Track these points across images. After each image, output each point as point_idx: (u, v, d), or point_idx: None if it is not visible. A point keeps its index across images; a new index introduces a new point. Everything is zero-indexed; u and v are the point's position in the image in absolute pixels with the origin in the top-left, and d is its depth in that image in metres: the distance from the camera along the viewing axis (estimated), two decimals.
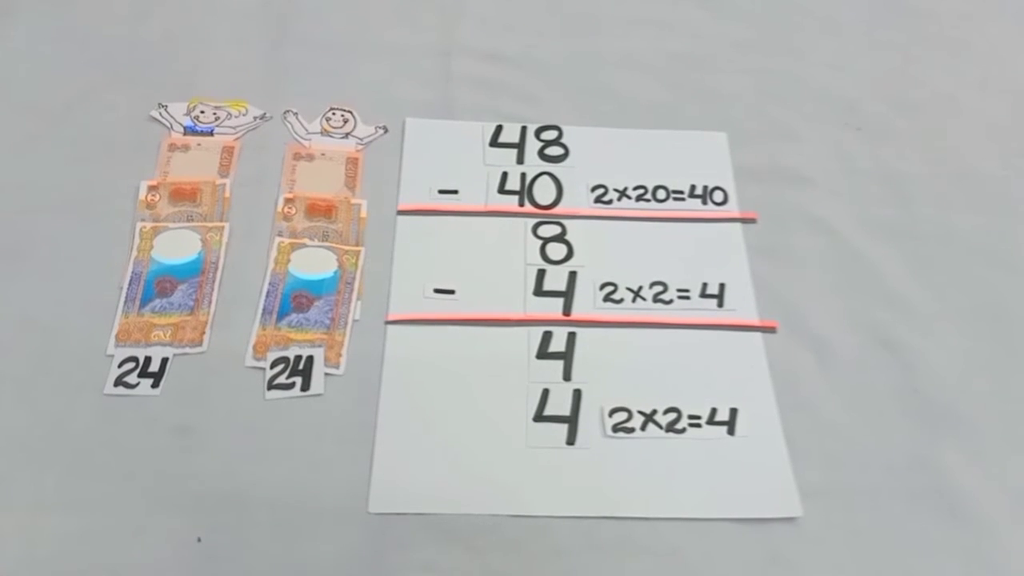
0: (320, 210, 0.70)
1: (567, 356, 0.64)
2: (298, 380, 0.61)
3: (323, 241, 0.68)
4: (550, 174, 0.74)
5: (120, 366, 0.61)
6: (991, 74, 0.84)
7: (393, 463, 0.58)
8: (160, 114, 0.75)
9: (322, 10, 0.84)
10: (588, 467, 0.59)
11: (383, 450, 0.59)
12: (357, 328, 0.64)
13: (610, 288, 0.67)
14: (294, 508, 0.56)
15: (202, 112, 0.76)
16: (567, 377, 0.63)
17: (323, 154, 0.74)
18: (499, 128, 0.76)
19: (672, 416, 0.61)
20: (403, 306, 0.65)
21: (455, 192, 0.72)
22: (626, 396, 0.62)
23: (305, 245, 0.68)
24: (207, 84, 0.78)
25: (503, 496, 0.57)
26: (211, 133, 0.74)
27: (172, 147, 0.73)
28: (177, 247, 0.67)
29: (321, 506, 0.56)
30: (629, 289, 0.67)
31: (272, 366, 0.62)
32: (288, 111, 0.76)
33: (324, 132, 0.75)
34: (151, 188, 0.70)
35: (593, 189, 0.73)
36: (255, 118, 0.76)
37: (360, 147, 0.75)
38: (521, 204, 0.72)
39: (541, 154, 0.75)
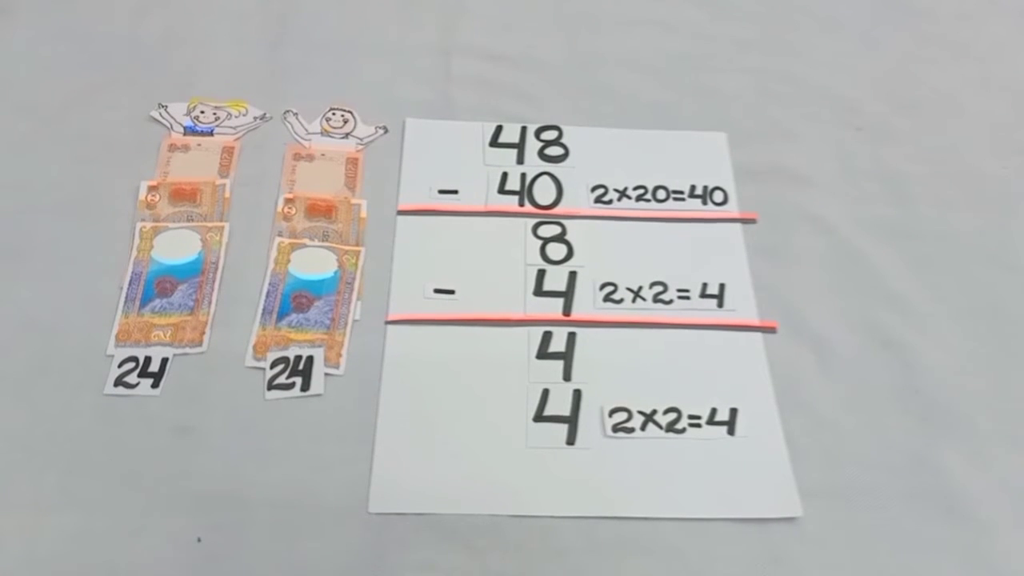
0: (320, 210, 0.70)
1: (567, 356, 0.64)
2: (298, 380, 0.61)
3: (323, 241, 0.69)
4: (550, 174, 0.74)
5: (120, 366, 0.61)
6: (991, 74, 0.84)
7: (393, 463, 0.58)
8: (160, 114, 0.75)
9: (322, 10, 0.84)
10: (588, 467, 0.59)
11: (383, 450, 0.59)
12: (357, 328, 0.64)
13: (610, 288, 0.67)
14: (294, 508, 0.56)
15: (202, 112, 0.76)
16: (567, 377, 0.63)
17: (323, 154, 0.74)
18: (499, 128, 0.76)
19: (672, 416, 0.61)
20: (403, 306, 0.65)
21: (455, 192, 0.72)
22: (626, 396, 0.62)
23: (305, 245, 0.68)
24: (207, 84, 0.78)
25: (503, 496, 0.57)
26: (211, 133, 0.74)
27: (172, 147, 0.73)
28: (177, 247, 0.67)
29: (321, 506, 0.56)
30: (629, 289, 0.67)
31: (272, 366, 0.62)
32: (288, 111, 0.76)
33: (324, 132, 0.75)
34: (151, 188, 0.70)
35: (593, 189, 0.73)
36: (255, 118, 0.76)
37: (360, 147, 0.75)
38: (521, 204, 0.72)
39: (541, 154, 0.75)
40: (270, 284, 0.66)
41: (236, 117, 0.76)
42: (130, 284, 0.65)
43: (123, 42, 0.80)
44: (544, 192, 0.73)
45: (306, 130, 0.75)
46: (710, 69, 0.82)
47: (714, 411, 0.61)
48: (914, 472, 0.60)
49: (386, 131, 0.76)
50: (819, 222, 0.72)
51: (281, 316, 0.64)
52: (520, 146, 0.76)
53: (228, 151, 0.73)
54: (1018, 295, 0.69)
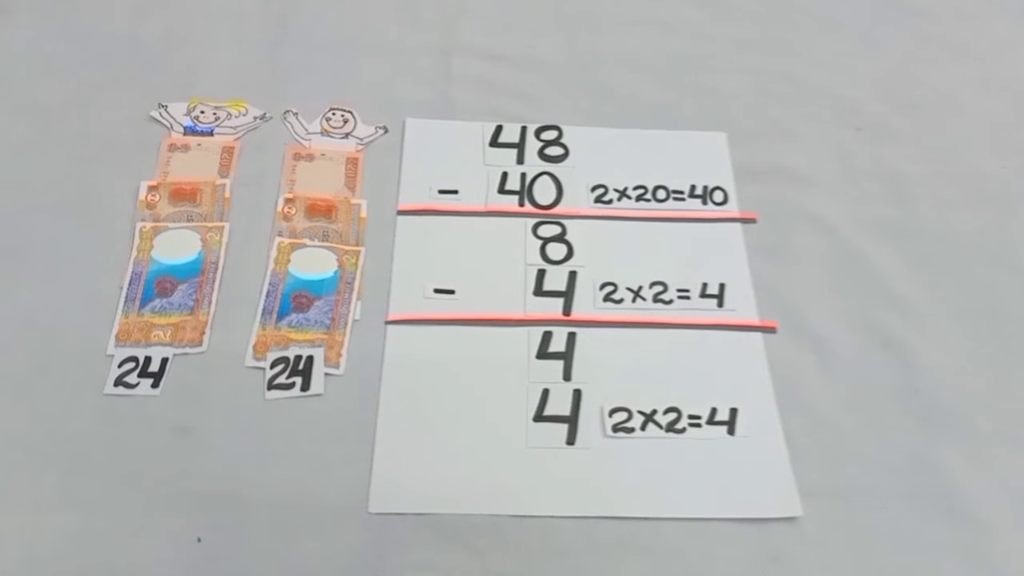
0: (320, 210, 0.70)
1: (567, 356, 0.64)
2: (298, 380, 0.61)
3: (323, 241, 0.69)
4: (550, 174, 0.74)
5: (120, 366, 0.61)
6: (991, 74, 0.84)
7: (393, 463, 0.58)
8: (160, 114, 0.75)
9: (322, 10, 0.84)
10: (588, 467, 0.59)
11: (383, 450, 0.59)
12: (357, 328, 0.64)
13: (610, 288, 0.67)
14: (294, 508, 0.56)
15: (202, 112, 0.76)
16: (567, 377, 0.63)
17: (323, 154, 0.74)
18: (499, 128, 0.76)
19: (672, 416, 0.61)
20: (403, 306, 0.65)
21: (455, 192, 0.72)
22: (626, 396, 0.62)
23: (305, 245, 0.68)
24: (207, 84, 0.78)
25: (503, 496, 0.57)
26: (211, 133, 0.74)
27: (172, 147, 0.73)
28: (177, 247, 0.67)
29: (321, 506, 0.56)
30: (629, 289, 0.67)
31: (272, 366, 0.62)
32: (288, 111, 0.76)
33: (324, 132, 0.75)
34: (151, 188, 0.70)
35: (593, 189, 0.73)
36: (255, 118, 0.76)
37: (360, 147, 0.75)
38: (521, 204, 0.72)
39: (541, 154, 0.75)
40: (270, 284, 0.66)
41: (236, 117, 0.76)
42: (130, 284, 0.65)
43: (123, 42, 0.80)
44: (544, 192, 0.73)
45: (306, 130, 0.75)
46: (710, 69, 0.82)
47: (714, 411, 0.61)
48: (914, 472, 0.60)
49: (386, 131, 0.76)
50: (819, 222, 0.72)
51: (281, 316, 0.64)
52: (520, 146, 0.76)
53: (228, 151, 0.73)
54: (1018, 295, 0.69)
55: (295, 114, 0.76)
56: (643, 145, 0.76)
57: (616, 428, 0.60)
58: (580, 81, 0.81)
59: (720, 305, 0.67)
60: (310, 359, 0.62)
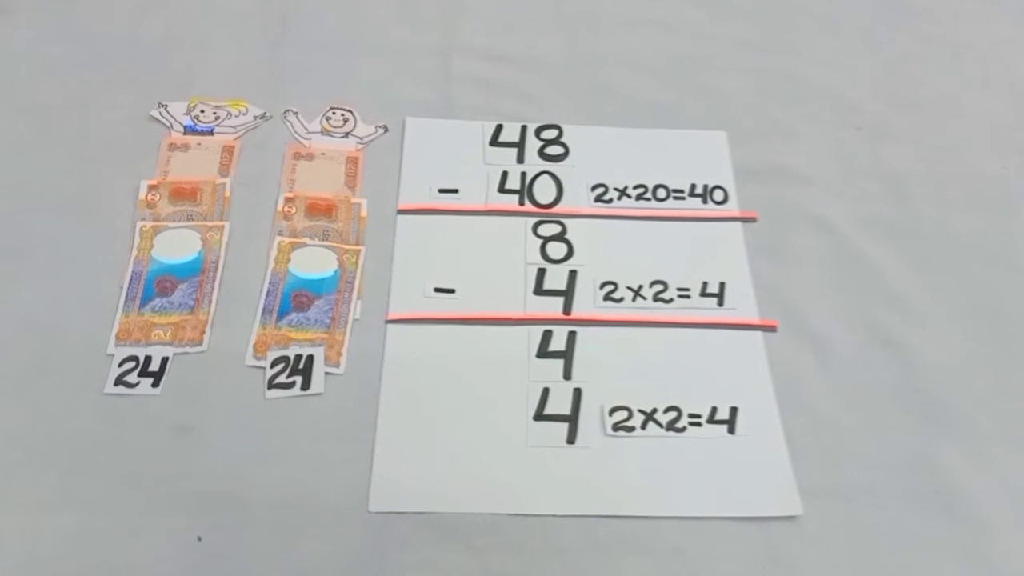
0: (320, 209, 0.70)
1: (567, 355, 0.64)
2: (298, 379, 0.61)
3: (323, 240, 0.69)
4: (550, 173, 0.74)
5: (120, 365, 0.61)
6: (991, 73, 0.84)
7: (393, 463, 0.58)
8: (160, 114, 0.75)
9: (322, 10, 0.84)
10: (588, 466, 0.59)
11: (383, 450, 0.59)
12: (357, 327, 0.64)
13: (610, 287, 0.67)
14: (294, 508, 0.56)
15: (202, 112, 0.76)
16: (567, 376, 0.63)
17: (323, 153, 0.74)
18: (499, 127, 0.76)
19: (672, 415, 0.61)
20: (403, 305, 0.65)
21: (455, 191, 0.72)
22: (626, 395, 0.62)
23: (305, 244, 0.68)
24: (207, 84, 0.78)
25: (503, 495, 0.57)
26: (211, 133, 0.74)
27: (172, 147, 0.73)
28: (177, 246, 0.67)
29: (321, 506, 0.56)
30: (629, 288, 0.67)
31: (272, 365, 0.62)
32: (288, 111, 0.76)
33: (324, 131, 0.75)
34: (151, 188, 0.70)
35: (593, 188, 0.73)
36: (255, 117, 0.76)
37: (360, 146, 0.75)
38: (521, 203, 0.72)
39: (541, 153, 0.75)
40: (270, 283, 0.66)
41: (236, 116, 0.76)
42: (130, 283, 0.65)
43: (123, 42, 0.80)
44: (544, 191, 0.73)
45: (306, 129, 0.75)
46: (710, 69, 0.82)
47: (714, 410, 0.61)
48: (914, 471, 0.60)
49: (386, 130, 0.76)
50: (819, 221, 0.72)
51: (281, 315, 0.64)
52: (520, 145, 0.76)
53: (228, 150, 0.73)
54: (1018, 295, 0.69)
55: (295, 113, 0.76)
56: (643, 144, 0.76)
57: (616, 427, 0.60)
58: (580, 81, 0.81)
59: (720, 304, 0.67)
60: (310, 358, 0.62)
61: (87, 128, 0.74)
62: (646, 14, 0.87)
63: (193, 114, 0.75)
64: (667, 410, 0.61)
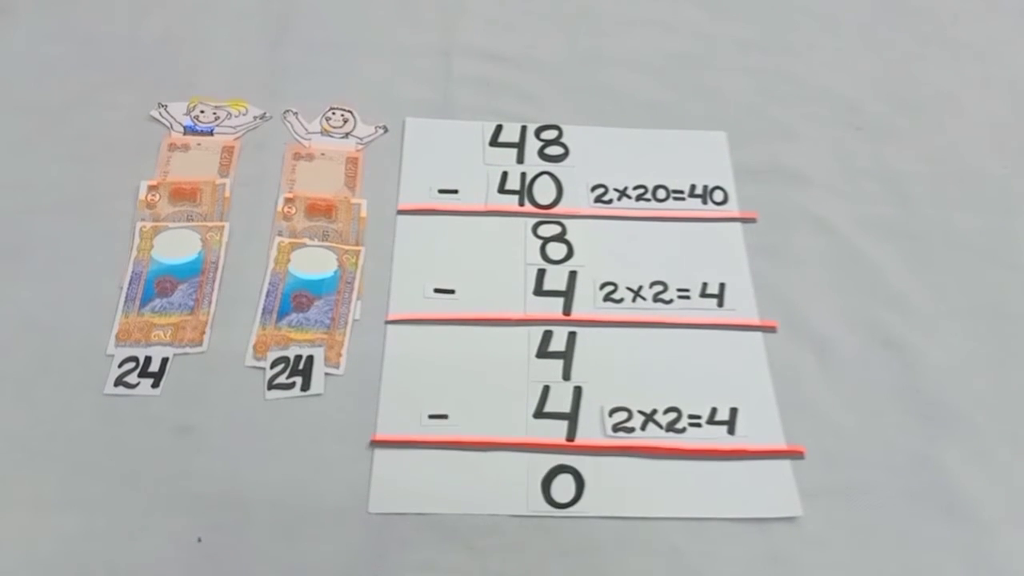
0: (320, 210, 0.70)
1: (567, 355, 0.64)
2: (298, 380, 0.61)
3: (323, 241, 0.69)
4: (550, 174, 0.74)
5: (120, 366, 0.61)
6: (991, 73, 0.84)
7: (393, 463, 0.58)
8: (160, 114, 0.75)
9: (322, 10, 0.84)
10: (588, 466, 0.59)
11: (383, 450, 0.59)
12: (357, 328, 0.64)
13: (610, 288, 0.67)
14: (294, 508, 0.56)
15: (202, 112, 0.76)
16: (567, 376, 0.63)
17: (323, 154, 0.74)
18: (499, 128, 0.76)
19: (672, 416, 0.61)
20: (403, 306, 0.65)
21: (455, 192, 0.72)
22: (626, 396, 0.62)
23: (305, 245, 0.68)
24: (207, 84, 0.78)
25: (503, 496, 0.57)
26: (211, 133, 0.74)
27: (172, 147, 0.73)
28: (177, 247, 0.67)
29: (321, 506, 0.56)
30: (629, 289, 0.67)
31: (272, 366, 0.62)
32: (288, 111, 0.76)
33: (324, 132, 0.75)
34: (151, 188, 0.70)
35: (593, 189, 0.73)
36: (255, 118, 0.76)
37: (360, 147, 0.75)
38: (521, 204, 0.72)
39: (541, 154, 0.75)
40: (270, 284, 0.66)
41: (236, 117, 0.76)
42: (130, 284, 0.65)
43: (123, 42, 0.80)
44: (544, 191, 0.73)
45: (306, 130, 0.75)
46: (710, 69, 0.83)
47: (714, 411, 0.61)
48: (914, 472, 0.60)
49: (386, 131, 0.76)
50: (819, 222, 0.72)
51: (281, 316, 0.64)
52: (520, 145, 0.76)
53: (228, 151, 0.73)
54: (1019, 295, 0.69)
55: (295, 114, 0.76)
56: (643, 145, 0.76)
57: (616, 428, 0.60)
58: (580, 81, 0.81)
59: (720, 305, 0.67)
60: (310, 359, 0.62)
61: (87, 128, 0.74)
62: (646, 14, 0.87)
63: (193, 114, 0.75)
64: (667, 411, 0.61)
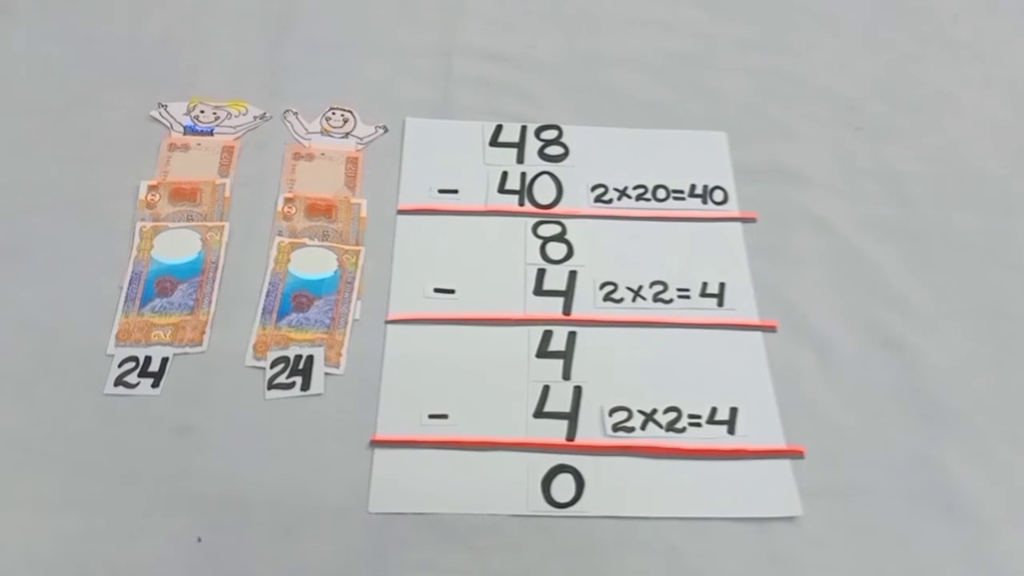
0: (320, 210, 0.70)
1: (567, 355, 0.64)
2: (298, 380, 0.61)
3: (323, 241, 0.69)
4: (550, 173, 0.74)
5: (120, 366, 0.61)
6: (991, 73, 0.84)
7: (393, 463, 0.58)
8: (160, 114, 0.75)
9: (322, 10, 0.84)
10: (588, 466, 0.59)
11: (383, 450, 0.59)
12: (357, 328, 0.64)
13: (610, 287, 0.67)
14: (294, 508, 0.56)
15: (202, 112, 0.76)
16: (567, 376, 0.63)
17: (323, 154, 0.74)
18: (499, 128, 0.76)
19: (672, 415, 0.61)
20: (403, 306, 0.65)
21: (455, 192, 0.72)
22: (626, 395, 0.62)
23: (305, 245, 0.68)
24: (207, 84, 0.78)
25: (503, 496, 0.57)
26: (211, 133, 0.74)
27: (172, 147, 0.73)
28: (177, 247, 0.67)
29: (321, 506, 0.56)
30: (629, 288, 0.67)
31: (272, 366, 0.62)
32: (288, 111, 0.76)
33: (324, 132, 0.75)
34: (151, 188, 0.70)
35: (593, 188, 0.73)
36: (255, 118, 0.76)
37: (360, 147, 0.75)
38: (521, 204, 0.72)
39: (541, 154, 0.75)
40: (270, 283, 0.66)
41: (236, 117, 0.76)
42: (130, 284, 0.65)
43: (123, 42, 0.80)
44: (544, 191, 0.73)
45: (306, 130, 0.75)
46: (710, 69, 0.83)
47: (714, 410, 0.61)
48: (914, 472, 0.60)
49: (386, 131, 0.76)
50: (819, 222, 0.72)
51: (281, 315, 0.64)
52: (520, 145, 0.76)
53: (228, 151, 0.73)
54: (1019, 294, 0.69)
55: (295, 114, 0.76)
56: (643, 144, 0.76)
57: (616, 427, 0.60)
58: (580, 81, 0.81)
59: (720, 304, 0.67)
60: (310, 359, 0.62)
61: (87, 128, 0.74)
62: (646, 14, 0.87)
63: (193, 114, 0.75)
64: (667, 411, 0.61)
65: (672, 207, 0.72)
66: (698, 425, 0.61)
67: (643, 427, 0.60)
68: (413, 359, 0.63)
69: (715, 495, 0.58)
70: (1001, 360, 0.65)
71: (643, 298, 0.67)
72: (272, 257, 0.67)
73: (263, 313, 0.64)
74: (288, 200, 0.70)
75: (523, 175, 0.74)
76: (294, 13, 0.84)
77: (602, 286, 0.67)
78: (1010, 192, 0.75)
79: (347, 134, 0.75)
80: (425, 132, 0.76)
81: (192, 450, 0.58)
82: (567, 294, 0.67)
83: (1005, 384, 0.64)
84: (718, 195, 0.73)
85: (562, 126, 0.77)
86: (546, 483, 0.58)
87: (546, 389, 0.62)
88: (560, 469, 0.59)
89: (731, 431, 0.61)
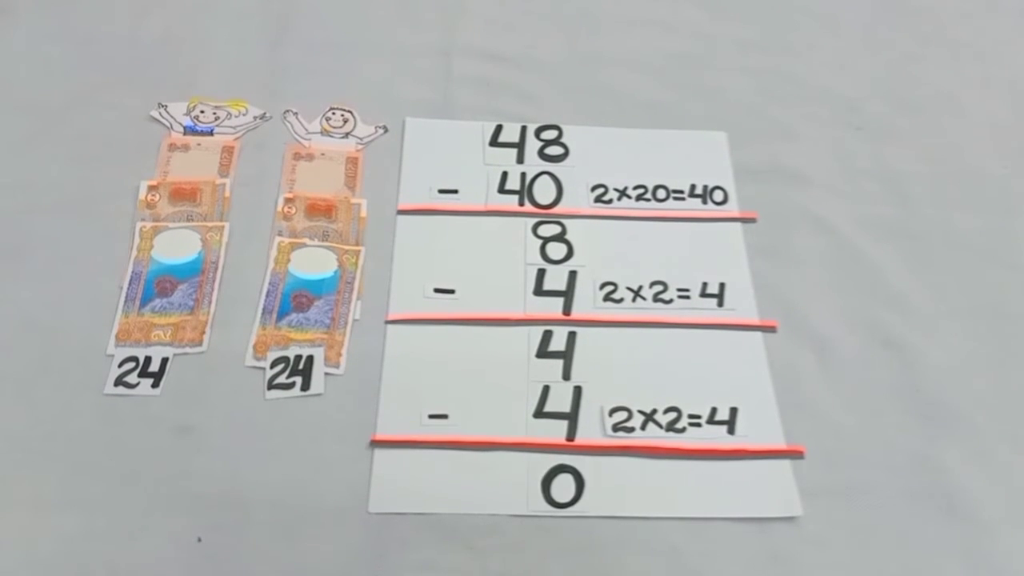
0: (320, 210, 0.70)
1: (567, 355, 0.64)
2: (298, 380, 0.61)
3: (323, 241, 0.69)
4: (550, 174, 0.74)
5: (120, 366, 0.61)
6: (991, 73, 0.84)
7: (393, 463, 0.58)
8: (160, 114, 0.75)
9: (322, 10, 0.84)
10: (588, 466, 0.59)
11: (383, 450, 0.59)
12: (357, 328, 0.64)
13: (610, 288, 0.67)
14: (294, 508, 0.56)
15: (202, 112, 0.76)
16: (567, 376, 0.63)
17: (323, 154, 0.74)
18: (499, 128, 0.76)
19: (672, 415, 0.61)
20: (403, 306, 0.65)
21: (455, 192, 0.72)
22: (626, 395, 0.62)
23: (305, 245, 0.68)
24: (207, 84, 0.78)
25: (503, 496, 0.57)
26: (211, 133, 0.74)
27: (172, 147, 0.73)
28: (177, 247, 0.67)
29: (321, 506, 0.56)
30: (629, 289, 0.67)
31: (272, 366, 0.62)
32: (288, 111, 0.76)
33: (324, 132, 0.75)
34: (151, 188, 0.70)
35: (593, 189, 0.73)
36: (255, 118, 0.76)
37: (360, 147, 0.75)
38: (521, 204, 0.72)
39: (541, 154, 0.75)
40: (270, 284, 0.66)
41: (236, 117, 0.76)
42: (130, 284, 0.65)
43: (123, 42, 0.80)
44: (544, 191, 0.73)
45: (306, 130, 0.75)
46: (710, 69, 0.83)
47: (714, 410, 0.61)
48: (914, 472, 0.60)
49: (386, 131, 0.76)
50: (819, 222, 0.72)
51: (281, 316, 0.64)
52: (520, 145, 0.76)
53: (228, 151, 0.73)
54: (1019, 294, 0.69)
55: (295, 114, 0.76)
56: (643, 144, 0.76)
57: (616, 427, 0.60)
58: (580, 81, 0.81)
59: (720, 305, 0.67)
60: (310, 359, 0.62)
61: (87, 128, 0.74)
62: (646, 14, 0.87)
63: (193, 114, 0.75)
64: (667, 411, 0.61)
65: (672, 207, 0.72)
66: (698, 425, 0.61)
67: (643, 427, 0.60)
68: (413, 359, 0.63)
69: (715, 495, 0.58)
70: (1001, 360, 0.65)
71: (643, 298, 0.67)
72: (272, 257, 0.67)
73: (263, 313, 0.64)
74: (288, 200, 0.70)
75: (523, 175, 0.74)
76: (294, 13, 0.84)
77: (602, 286, 0.67)
78: (1010, 192, 0.75)
79: (347, 134, 0.75)
80: (425, 132, 0.76)
81: (192, 450, 0.58)
82: (567, 294, 0.67)
83: (1005, 384, 0.64)
84: (718, 195, 0.73)
85: (562, 126, 0.77)
86: (546, 483, 0.58)
87: (546, 389, 0.62)
88: (560, 469, 0.59)
89: (731, 431, 0.61)
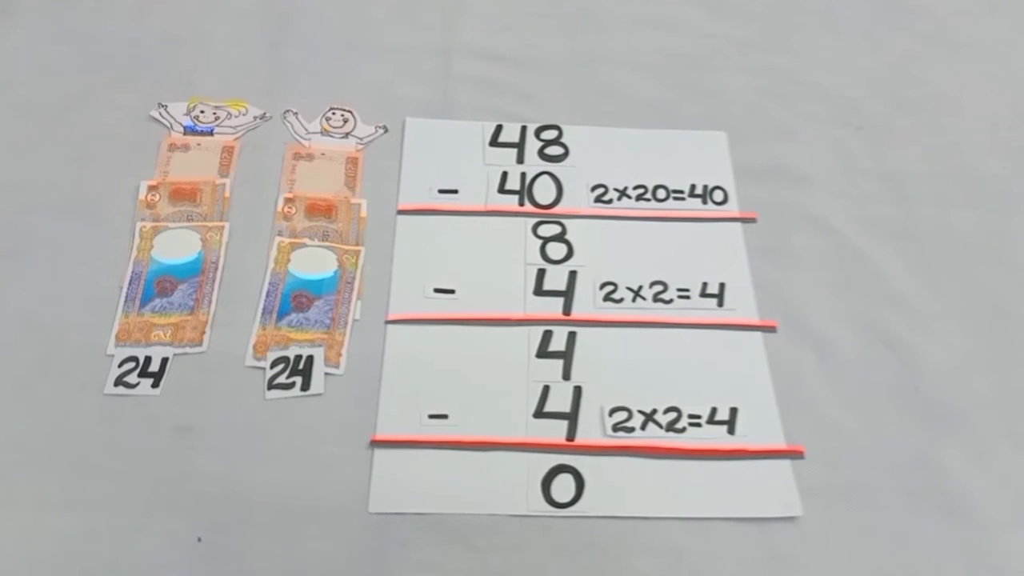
0: (320, 210, 0.70)
1: (567, 355, 0.64)
2: (298, 380, 0.61)
3: (323, 241, 0.69)
4: (550, 174, 0.74)
5: (120, 366, 0.61)
6: (991, 73, 0.84)
7: (393, 463, 0.58)
8: (160, 114, 0.75)
9: (322, 10, 0.84)
10: (588, 466, 0.59)
11: (383, 450, 0.59)
12: (357, 328, 0.64)
13: (610, 288, 0.67)
14: (294, 508, 0.56)
15: (202, 112, 0.76)
16: (567, 376, 0.63)
17: (323, 154, 0.74)
18: (499, 128, 0.76)
19: (672, 415, 0.61)
20: (403, 306, 0.65)
21: (455, 192, 0.72)
22: (626, 395, 0.62)
23: (305, 245, 0.68)
24: (207, 84, 0.78)
25: (503, 496, 0.57)
26: (211, 133, 0.74)
27: (172, 147, 0.73)
28: (177, 247, 0.67)
29: (321, 506, 0.56)
30: (629, 289, 0.67)
31: (272, 366, 0.62)
32: (288, 111, 0.76)
33: (324, 132, 0.75)
34: (151, 188, 0.70)
35: (593, 189, 0.73)
36: (255, 118, 0.76)
37: (360, 147, 0.75)
38: (521, 204, 0.72)
39: (541, 154, 0.75)
40: (270, 284, 0.66)
41: (236, 117, 0.76)
42: (130, 284, 0.65)
43: (123, 42, 0.80)
44: (544, 191, 0.73)
45: (306, 130, 0.75)
46: (710, 69, 0.83)
47: (714, 410, 0.61)
48: (914, 472, 0.60)
49: (386, 131, 0.76)
50: (819, 222, 0.72)
51: (281, 316, 0.64)
52: (520, 145, 0.76)
53: (228, 151, 0.73)
54: (1018, 294, 0.69)
55: (295, 114, 0.76)
56: (643, 144, 0.76)
57: (616, 427, 0.60)
58: (580, 81, 0.81)
59: (720, 305, 0.67)
60: (310, 359, 0.62)
61: (87, 128, 0.74)
62: (646, 14, 0.87)
63: (193, 114, 0.75)
64: (667, 411, 0.61)
65: (672, 207, 0.72)
66: (698, 425, 0.61)
67: (643, 427, 0.60)
68: (413, 359, 0.63)
69: (715, 495, 0.58)
70: (1001, 360, 0.65)
71: (643, 298, 0.67)
72: (272, 257, 0.67)
73: (263, 313, 0.64)
74: (288, 200, 0.70)
75: (523, 175, 0.74)
76: (294, 13, 0.84)
77: (602, 286, 0.67)
78: (1010, 192, 0.75)
79: (347, 134, 0.75)
80: (425, 132, 0.76)
81: (192, 450, 0.58)
82: (567, 294, 0.67)
83: (1005, 384, 0.64)
84: (718, 195, 0.73)
85: (562, 126, 0.77)
86: (546, 483, 0.58)
87: (546, 389, 0.62)
88: (560, 469, 0.59)
89: (731, 431, 0.61)
